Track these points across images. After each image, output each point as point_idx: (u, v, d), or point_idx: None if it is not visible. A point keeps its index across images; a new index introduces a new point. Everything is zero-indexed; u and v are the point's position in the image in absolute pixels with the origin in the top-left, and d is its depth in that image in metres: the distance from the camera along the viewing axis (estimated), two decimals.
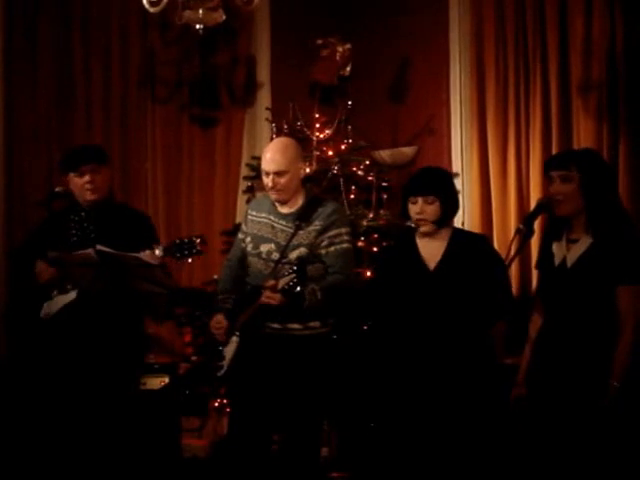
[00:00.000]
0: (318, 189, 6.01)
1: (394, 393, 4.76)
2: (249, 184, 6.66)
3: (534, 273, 4.64)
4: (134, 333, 5.28)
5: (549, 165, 4.33)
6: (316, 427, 5.06)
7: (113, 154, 6.93)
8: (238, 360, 4.91)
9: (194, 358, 6.44)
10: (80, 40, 6.94)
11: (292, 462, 4.92)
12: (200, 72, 7.08)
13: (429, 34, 6.94)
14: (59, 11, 6.90)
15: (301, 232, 4.86)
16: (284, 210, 4.95)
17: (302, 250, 4.83)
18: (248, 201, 6.21)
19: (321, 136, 6.56)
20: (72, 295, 5.11)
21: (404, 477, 4.71)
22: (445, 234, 4.71)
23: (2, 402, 5.94)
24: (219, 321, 4.98)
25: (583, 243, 4.19)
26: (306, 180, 5.16)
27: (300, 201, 4.95)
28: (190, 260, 5.04)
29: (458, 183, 6.17)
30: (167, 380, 6.14)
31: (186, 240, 4.95)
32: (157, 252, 4.92)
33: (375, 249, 6.22)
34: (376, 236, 6.30)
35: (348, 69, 6.63)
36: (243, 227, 5.13)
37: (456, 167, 6.66)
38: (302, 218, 4.87)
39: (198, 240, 4.94)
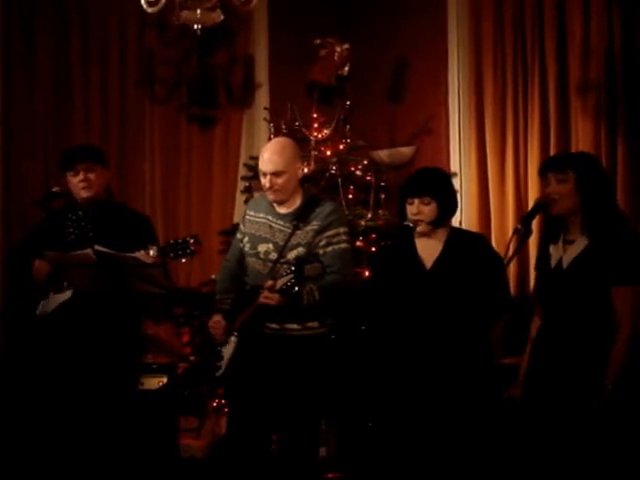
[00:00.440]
0: (316, 189, 6.02)
1: (392, 393, 4.76)
2: (247, 184, 6.66)
3: (532, 273, 4.64)
4: (132, 333, 5.28)
5: (546, 167, 4.33)
6: (314, 427, 5.06)
7: (111, 154, 6.91)
8: (236, 360, 4.91)
9: (192, 358, 6.44)
10: (78, 40, 6.92)
11: (290, 462, 4.93)
12: (198, 72, 7.08)
13: (427, 34, 6.94)
14: (57, 11, 6.88)
15: (299, 232, 4.86)
16: (282, 210, 4.95)
17: (300, 250, 4.83)
18: (246, 201, 6.21)
19: (319, 136, 6.56)
20: (67, 294, 5.12)
21: (402, 477, 4.71)
22: (442, 234, 4.71)
23: (0, 402, 5.94)
24: (217, 321, 4.98)
25: (579, 244, 4.19)
26: (304, 180, 5.16)
27: (298, 201, 4.95)
28: (184, 260, 5.01)
29: (456, 183, 6.16)
30: (165, 380, 6.13)
31: (180, 240, 4.93)
32: (151, 252, 4.91)
33: (373, 249, 6.23)
34: (374, 236, 6.30)
35: (346, 69, 6.63)
36: (241, 227, 5.13)
37: (454, 167, 6.67)
38: (300, 218, 4.87)
39: (192, 240, 4.91)
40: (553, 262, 4.26)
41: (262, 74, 7.19)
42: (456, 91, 6.74)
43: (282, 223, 4.92)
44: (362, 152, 6.64)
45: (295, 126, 6.56)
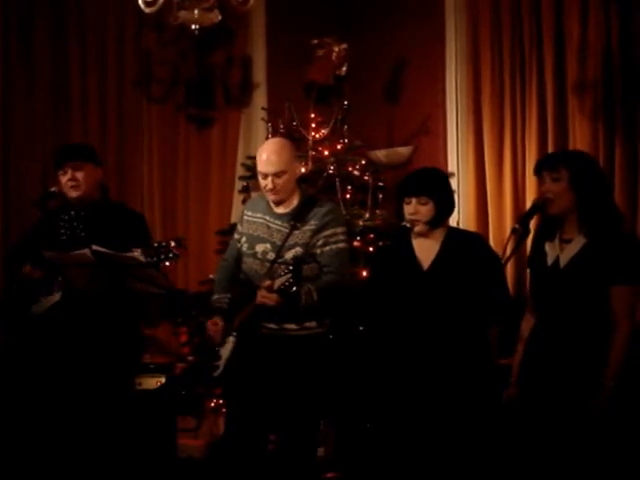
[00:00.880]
0: (314, 189, 6.01)
1: (390, 393, 4.76)
2: (245, 184, 6.66)
3: (528, 270, 4.64)
4: (128, 333, 5.28)
5: (540, 166, 4.33)
6: (312, 427, 5.06)
7: (109, 154, 6.95)
8: (234, 360, 4.91)
9: (190, 358, 6.44)
10: (76, 41, 6.93)
11: (288, 462, 4.92)
12: (196, 72, 7.08)
13: (425, 34, 6.95)
14: (54, 12, 6.89)
15: (296, 232, 4.85)
16: (280, 210, 4.95)
17: (298, 250, 4.83)
18: (244, 201, 6.21)
19: (317, 136, 6.56)
20: (57, 296, 5.12)
21: (400, 477, 4.71)
22: (439, 234, 4.70)
23: None
24: (215, 321, 4.98)
25: (576, 243, 4.19)
26: (302, 180, 5.16)
27: (295, 201, 4.95)
28: (168, 264, 4.97)
29: (454, 183, 6.17)
30: (163, 380, 6.13)
31: (163, 243, 4.88)
32: (136, 255, 4.89)
33: (371, 249, 6.23)
34: (372, 236, 6.30)
35: (344, 69, 6.63)
36: (239, 227, 5.13)
37: (452, 167, 6.68)
38: (297, 218, 4.86)
39: (173, 244, 4.87)
40: (549, 261, 4.26)
41: (260, 74, 7.19)
42: (454, 91, 6.75)
43: (280, 223, 4.91)
44: (360, 152, 6.64)
45: (293, 126, 6.56)
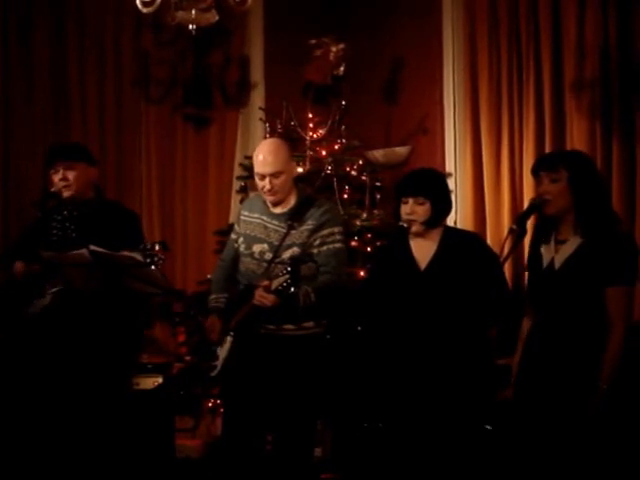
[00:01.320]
0: (311, 189, 6.01)
1: (388, 393, 4.76)
2: (243, 184, 6.67)
3: (527, 273, 4.64)
4: (127, 333, 5.28)
5: (538, 166, 4.33)
6: (310, 427, 5.05)
7: (108, 154, 6.97)
8: (232, 360, 4.90)
9: (188, 358, 6.44)
10: (75, 41, 6.95)
11: (286, 462, 4.92)
12: (194, 72, 7.09)
13: (423, 34, 6.95)
14: (53, 12, 6.90)
15: (294, 232, 4.85)
16: (277, 210, 4.94)
17: (295, 250, 4.82)
18: (242, 201, 6.21)
19: (314, 136, 6.57)
20: (47, 299, 5.12)
21: (397, 478, 4.71)
22: (437, 234, 4.70)
23: None
24: (213, 321, 4.98)
25: (572, 244, 4.18)
26: (299, 180, 5.16)
27: (293, 201, 4.94)
28: (153, 267, 4.95)
29: (451, 183, 6.18)
30: (161, 380, 6.13)
31: (148, 246, 4.85)
32: (133, 255, 4.88)
33: (369, 249, 6.23)
34: (369, 236, 6.31)
35: (342, 69, 6.63)
36: (236, 227, 5.13)
37: (449, 167, 6.68)
38: (295, 218, 4.86)
39: (157, 247, 4.85)
40: (545, 262, 4.25)
41: (257, 74, 7.19)
42: (451, 91, 6.75)
43: (277, 223, 4.91)
44: (357, 152, 6.64)
45: (290, 126, 6.57)
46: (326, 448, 6.03)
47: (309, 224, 4.84)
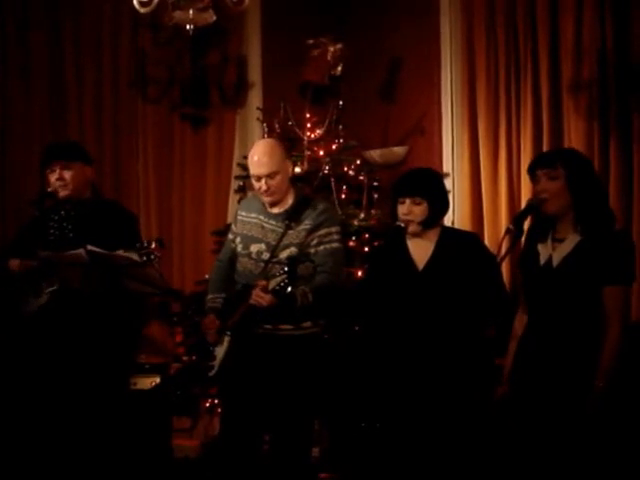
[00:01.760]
0: (309, 189, 6.02)
1: (385, 393, 4.76)
2: (241, 183, 6.66)
3: (520, 271, 4.64)
4: (125, 333, 5.28)
5: (535, 164, 4.32)
6: (307, 427, 5.06)
7: (105, 154, 6.97)
8: (229, 360, 4.91)
9: (185, 358, 6.44)
10: (72, 41, 6.95)
11: (283, 462, 4.92)
12: (191, 72, 7.08)
13: (420, 34, 6.94)
14: (51, 12, 6.90)
15: (291, 232, 4.85)
16: (274, 210, 4.95)
17: (292, 250, 4.83)
18: (240, 201, 6.21)
19: (312, 136, 6.56)
20: (43, 299, 5.12)
21: (395, 477, 4.71)
22: (434, 234, 4.70)
23: None
24: (211, 321, 4.98)
25: (570, 242, 4.18)
26: (297, 180, 5.15)
27: (290, 201, 4.95)
28: (150, 264, 4.94)
29: (448, 183, 6.17)
30: (158, 380, 6.14)
31: (144, 244, 4.84)
32: (131, 254, 4.87)
33: (366, 249, 6.23)
34: (367, 236, 6.30)
35: (339, 69, 6.62)
36: (233, 227, 5.13)
37: (447, 167, 6.68)
38: (292, 218, 4.86)
39: (154, 245, 4.83)
40: (542, 260, 4.25)
41: (255, 74, 7.19)
42: (449, 91, 6.75)
43: (274, 223, 4.91)
44: (355, 152, 6.64)
45: (288, 126, 6.56)
46: (324, 448, 6.03)
47: (306, 224, 4.84)
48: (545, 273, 4.22)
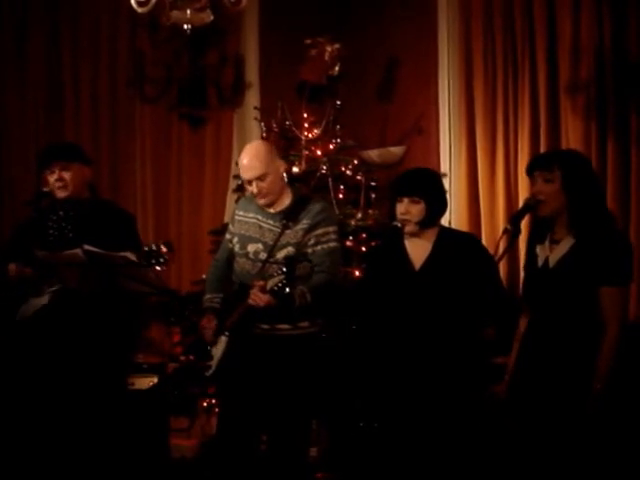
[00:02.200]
0: (307, 189, 6.02)
1: (382, 393, 4.76)
2: (238, 183, 6.65)
3: (522, 273, 4.65)
4: (122, 333, 5.28)
5: (533, 166, 4.33)
6: (305, 427, 5.06)
7: (102, 154, 6.96)
8: (227, 360, 4.90)
9: (183, 358, 6.44)
10: (69, 40, 6.95)
11: (281, 462, 4.92)
12: (189, 72, 7.08)
13: (418, 34, 6.95)
14: (48, 12, 6.89)
15: (288, 231, 4.85)
16: (271, 210, 4.94)
17: (290, 249, 4.83)
18: (237, 200, 6.21)
19: (310, 136, 6.56)
20: (44, 299, 5.11)
21: (393, 477, 4.71)
22: (431, 234, 4.70)
23: None
24: (208, 321, 4.98)
25: (565, 244, 4.18)
26: (294, 180, 5.15)
27: (287, 200, 4.94)
28: (159, 268, 4.95)
29: (446, 183, 6.17)
30: (156, 380, 6.13)
31: (154, 247, 4.84)
32: (128, 254, 4.87)
33: (363, 249, 6.23)
34: (364, 236, 6.30)
35: (337, 69, 6.62)
36: (230, 227, 5.13)
37: (444, 167, 6.69)
38: (289, 217, 4.86)
39: (164, 249, 4.84)
40: (540, 262, 4.26)
41: (252, 74, 7.19)
42: (446, 91, 6.75)
43: (272, 223, 4.91)
44: (352, 152, 6.64)
45: (285, 126, 6.56)
46: (321, 448, 6.03)
47: (304, 223, 4.84)
48: (542, 274, 4.23)
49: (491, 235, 6.24)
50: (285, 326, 4.89)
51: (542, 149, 6.00)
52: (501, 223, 6.17)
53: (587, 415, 4.05)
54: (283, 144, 6.45)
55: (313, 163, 6.46)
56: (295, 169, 6.25)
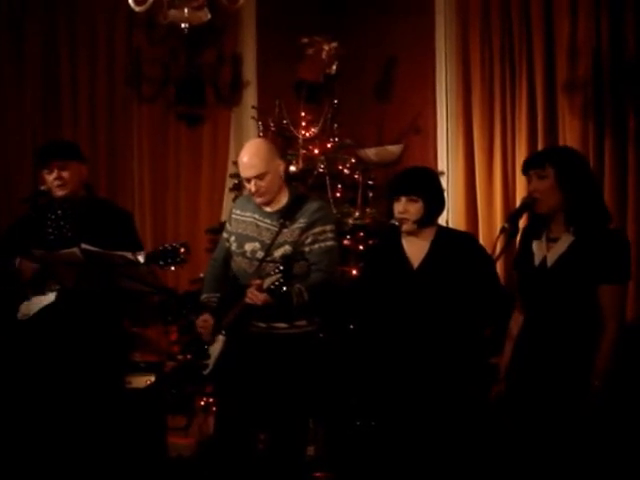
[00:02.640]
0: (304, 187, 6.02)
1: (380, 392, 4.76)
2: (235, 182, 6.66)
3: (515, 271, 4.65)
4: (120, 332, 5.28)
5: (527, 165, 4.33)
6: (302, 426, 5.06)
7: (100, 152, 6.96)
8: (224, 359, 4.91)
9: (180, 357, 6.44)
10: (66, 39, 6.94)
11: (278, 461, 4.93)
12: (186, 71, 7.07)
13: (415, 33, 6.94)
14: (45, 10, 6.89)
15: (285, 230, 4.85)
16: (268, 209, 4.95)
17: (287, 248, 4.83)
18: (235, 199, 6.21)
19: (307, 134, 6.57)
20: (50, 297, 5.10)
21: (390, 476, 4.71)
22: (429, 233, 4.70)
23: None
24: (205, 320, 4.98)
25: (563, 242, 4.18)
26: (292, 178, 5.15)
27: (284, 199, 4.95)
28: (173, 268, 4.96)
29: (443, 181, 6.17)
30: (153, 379, 6.13)
31: (169, 248, 4.85)
32: (140, 259, 4.87)
33: (361, 247, 6.23)
34: (362, 234, 6.30)
35: (334, 68, 6.62)
36: (227, 226, 5.13)
37: (442, 165, 6.68)
38: (286, 216, 4.87)
39: (182, 249, 4.86)
40: (537, 260, 4.25)
41: (250, 72, 7.19)
42: (444, 90, 6.75)
43: (269, 222, 4.92)
44: (350, 150, 6.63)
45: (283, 124, 6.57)
46: (319, 446, 6.03)
47: (301, 222, 4.85)
48: (540, 273, 4.22)
49: (488, 234, 6.24)
50: (282, 325, 4.89)
51: (539, 148, 5.99)
52: (499, 222, 6.17)
53: (585, 413, 4.05)
54: (280, 143, 6.44)
55: (310, 162, 6.46)
56: (292, 168, 6.25)
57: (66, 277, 5.03)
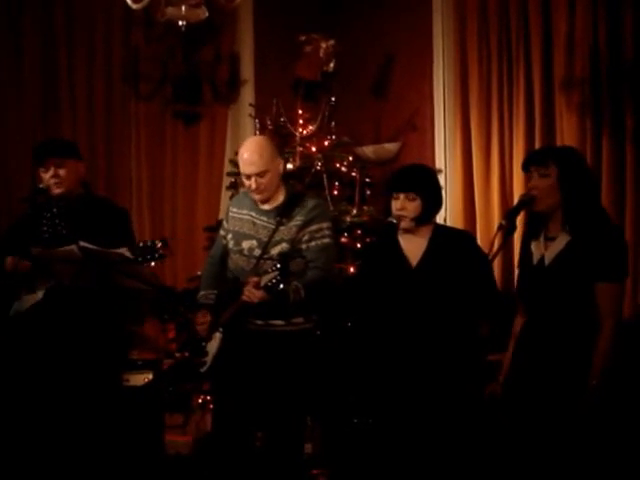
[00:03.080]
0: (301, 185, 6.02)
1: (378, 389, 4.76)
2: (232, 180, 6.66)
3: (516, 270, 4.65)
4: (117, 329, 5.27)
5: (529, 161, 4.33)
6: (299, 423, 5.06)
7: (97, 150, 6.95)
8: (221, 356, 4.90)
9: (177, 354, 6.44)
10: (64, 37, 6.92)
11: (275, 458, 4.92)
12: (183, 69, 7.08)
13: (413, 31, 6.96)
14: (43, 9, 6.88)
15: (282, 228, 4.85)
16: (265, 206, 4.95)
17: (284, 246, 4.83)
18: (232, 197, 6.21)
19: (304, 132, 6.56)
20: (39, 295, 5.10)
21: (387, 474, 4.71)
22: (426, 231, 4.69)
23: None
24: (203, 317, 4.98)
25: (561, 241, 4.18)
26: (289, 176, 5.15)
27: (281, 197, 4.95)
28: (153, 264, 4.93)
29: (441, 179, 6.17)
30: (150, 376, 6.12)
31: (148, 243, 4.81)
32: (123, 251, 4.86)
33: (358, 245, 6.23)
34: (359, 232, 6.31)
35: (332, 65, 6.63)
36: (224, 224, 5.13)
37: (439, 163, 6.70)
38: (283, 214, 4.87)
39: (159, 244, 4.80)
40: (535, 259, 4.24)
41: (247, 70, 7.20)
42: (441, 87, 6.77)
43: (266, 219, 4.91)
44: (347, 148, 6.64)
45: (280, 122, 6.57)
46: (316, 444, 6.03)
47: (298, 220, 4.85)
48: (538, 272, 4.22)
49: (486, 231, 6.24)
50: (279, 322, 4.89)
51: (537, 146, 6.00)
52: (496, 219, 6.17)
53: (583, 412, 4.05)
54: (278, 141, 6.42)
55: (308, 160, 6.46)
56: (289, 166, 6.25)
57: (64, 275, 5.03)
